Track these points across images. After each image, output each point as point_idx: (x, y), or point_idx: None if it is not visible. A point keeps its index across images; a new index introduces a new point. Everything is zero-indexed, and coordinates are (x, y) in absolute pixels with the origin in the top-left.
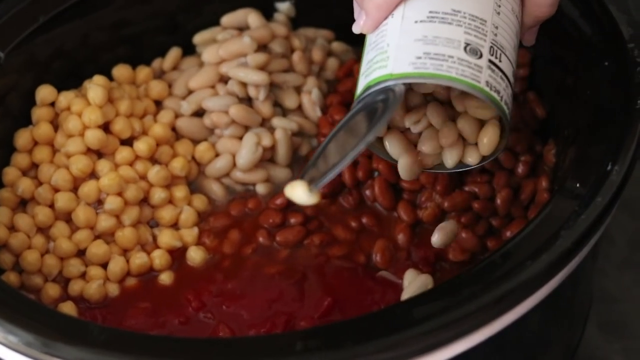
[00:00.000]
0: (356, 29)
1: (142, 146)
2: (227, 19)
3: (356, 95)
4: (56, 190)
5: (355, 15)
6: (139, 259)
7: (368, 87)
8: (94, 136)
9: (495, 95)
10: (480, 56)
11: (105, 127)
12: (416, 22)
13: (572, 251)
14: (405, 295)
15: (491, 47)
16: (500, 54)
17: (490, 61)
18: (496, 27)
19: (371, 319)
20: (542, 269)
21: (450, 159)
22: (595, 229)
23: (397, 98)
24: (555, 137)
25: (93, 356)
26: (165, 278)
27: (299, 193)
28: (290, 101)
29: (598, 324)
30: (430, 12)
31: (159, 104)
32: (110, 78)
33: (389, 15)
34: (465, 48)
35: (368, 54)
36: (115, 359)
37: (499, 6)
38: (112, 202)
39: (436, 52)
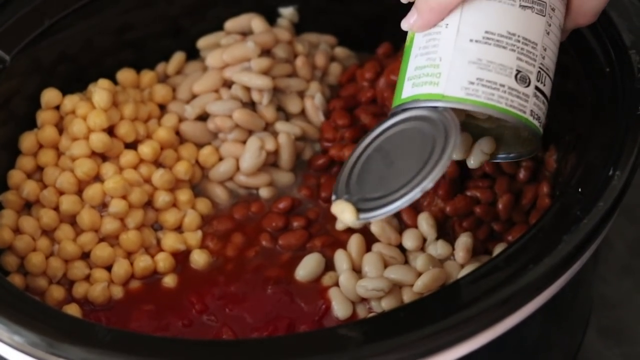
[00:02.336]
0: (405, 26)
1: (146, 150)
2: (230, 24)
3: (399, 98)
4: (61, 193)
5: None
6: (143, 262)
7: (416, 100)
8: (98, 139)
9: (536, 123)
10: (529, 84)
11: (110, 131)
12: (471, 40)
13: (573, 256)
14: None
15: (539, 72)
16: (545, 77)
17: (536, 88)
18: (545, 50)
19: (373, 322)
20: (544, 273)
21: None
22: (596, 233)
23: (456, 126)
24: (557, 143)
25: (98, 357)
26: (169, 281)
27: (348, 217)
28: (293, 106)
29: (597, 329)
30: (487, 32)
31: (163, 108)
32: (115, 82)
33: (442, 21)
34: (516, 76)
35: (416, 58)
36: None
37: (549, 25)
38: (116, 205)
39: (489, 80)
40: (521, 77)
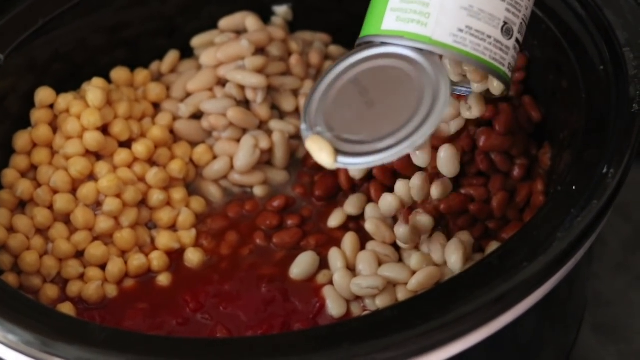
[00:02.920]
0: None
1: (140, 148)
2: (224, 22)
3: (377, 27)
4: (55, 191)
5: None
6: (137, 260)
7: (400, 36)
8: (92, 138)
9: (509, 74)
10: (511, 36)
11: (104, 130)
12: None
13: (568, 253)
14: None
15: (521, 23)
16: (524, 28)
17: (517, 40)
18: (529, 0)
19: (368, 319)
20: (538, 271)
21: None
22: (591, 231)
23: (446, 79)
24: (551, 141)
25: (93, 356)
26: (163, 279)
27: (324, 158)
28: (287, 104)
29: (592, 326)
30: None
31: (157, 106)
32: (109, 80)
33: None
34: (502, 28)
35: None
36: (115, 359)
37: None
38: (110, 204)
39: (477, 29)
40: (506, 30)
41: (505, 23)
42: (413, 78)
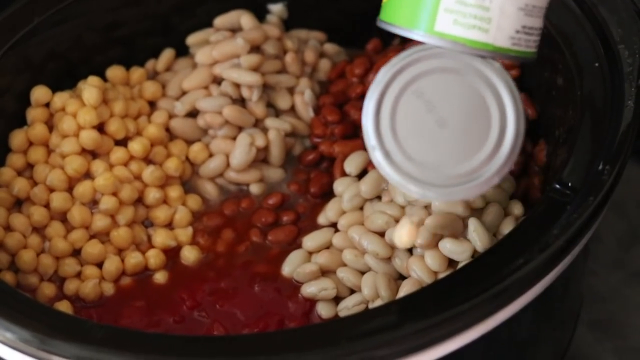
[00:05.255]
0: None
1: (136, 146)
2: (219, 21)
3: (430, 28)
4: (51, 190)
5: None
6: (133, 259)
7: (461, 43)
8: (88, 137)
9: (532, 59)
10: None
11: (100, 128)
12: None
13: (564, 250)
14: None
15: (548, 2)
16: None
17: (543, 22)
18: None
19: (364, 317)
20: (534, 268)
21: None
22: (587, 228)
23: (518, 98)
24: (547, 137)
25: (90, 353)
26: (160, 277)
27: (404, 238)
28: (283, 102)
29: (588, 323)
30: None
31: (152, 104)
32: (105, 79)
33: None
34: (544, 15)
35: None
36: (113, 356)
37: None
38: (107, 202)
39: (530, 26)
40: (545, 14)
41: (545, 8)
42: (481, 94)
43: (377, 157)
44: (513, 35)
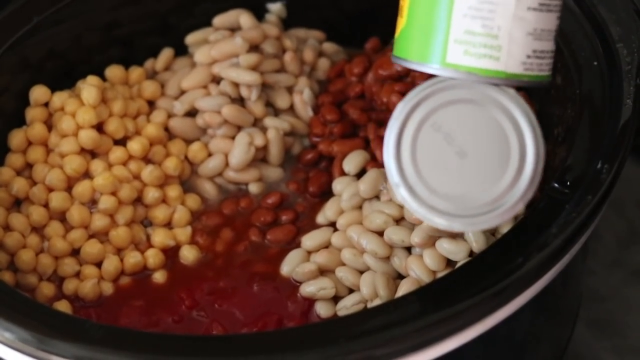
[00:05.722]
0: None
1: (135, 146)
2: (218, 20)
3: (443, 60)
4: (50, 189)
5: None
6: (132, 258)
7: (473, 73)
8: (87, 136)
9: (547, 82)
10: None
11: (99, 127)
12: (529, 9)
13: (563, 249)
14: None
15: (557, 24)
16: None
17: (555, 43)
18: None
19: (363, 316)
20: (533, 267)
21: None
22: (585, 227)
23: (534, 124)
24: (545, 136)
25: (89, 353)
26: (159, 277)
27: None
28: (282, 101)
29: (587, 322)
30: None
31: (151, 104)
32: (104, 78)
33: None
34: (554, 37)
35: (465, 18)
36: (111, 356)
37: None
38: (106, 202)
39: (541, 50)
40: (555, 37)
41: (555, 32)
42: (498, 122)
43: (402, 193)
44: (524, 61)
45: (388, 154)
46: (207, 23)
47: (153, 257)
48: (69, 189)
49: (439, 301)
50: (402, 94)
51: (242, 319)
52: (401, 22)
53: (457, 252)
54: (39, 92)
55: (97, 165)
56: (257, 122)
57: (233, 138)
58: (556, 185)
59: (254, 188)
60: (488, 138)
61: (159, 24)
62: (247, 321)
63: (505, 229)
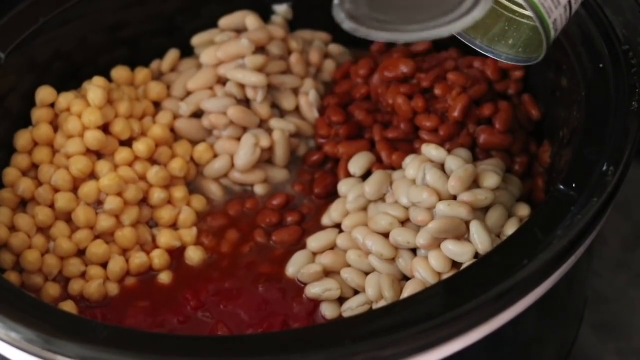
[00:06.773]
0: None
1: (141, 147)
2: (224, 21)
3: None
4: (56, 190)
5: None
6: (138, 259)
7: None
8: (93, 137)
9: (552, 32)
10: None
11: (105, 128)
12: None
13: (568, 251)
14: None
15: None
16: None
17: (569, 1)
18: None
19: (368, 317)
20: (538, 269)
21: None
22: (590, 229)
23: None
24: (551, 138)
25: (94, 353)
26: (164, 277)
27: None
28: (287, 102)
29: (592, 324)
30: None
31: (157, 105)
32: (109, 79)
33: None
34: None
35: None
36: (117, 356)
37: None
38: (111, 202)
39: None
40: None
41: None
42: None
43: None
44: None
45: None
46: (213, 24)
47: (158, 257)
48: (74, 189)
49: (444, 303)
50: (408, 96)
51: (247, 319)
52: None
53: (462, 254)
54: (44, 93)
55: (102, 166)
56: (262, 124)
57: (239, 139)
58: (561, 187)
59: (259, 189)
60: None
61: (164, 25)
62: (252, 322)
63: (510, 231)
